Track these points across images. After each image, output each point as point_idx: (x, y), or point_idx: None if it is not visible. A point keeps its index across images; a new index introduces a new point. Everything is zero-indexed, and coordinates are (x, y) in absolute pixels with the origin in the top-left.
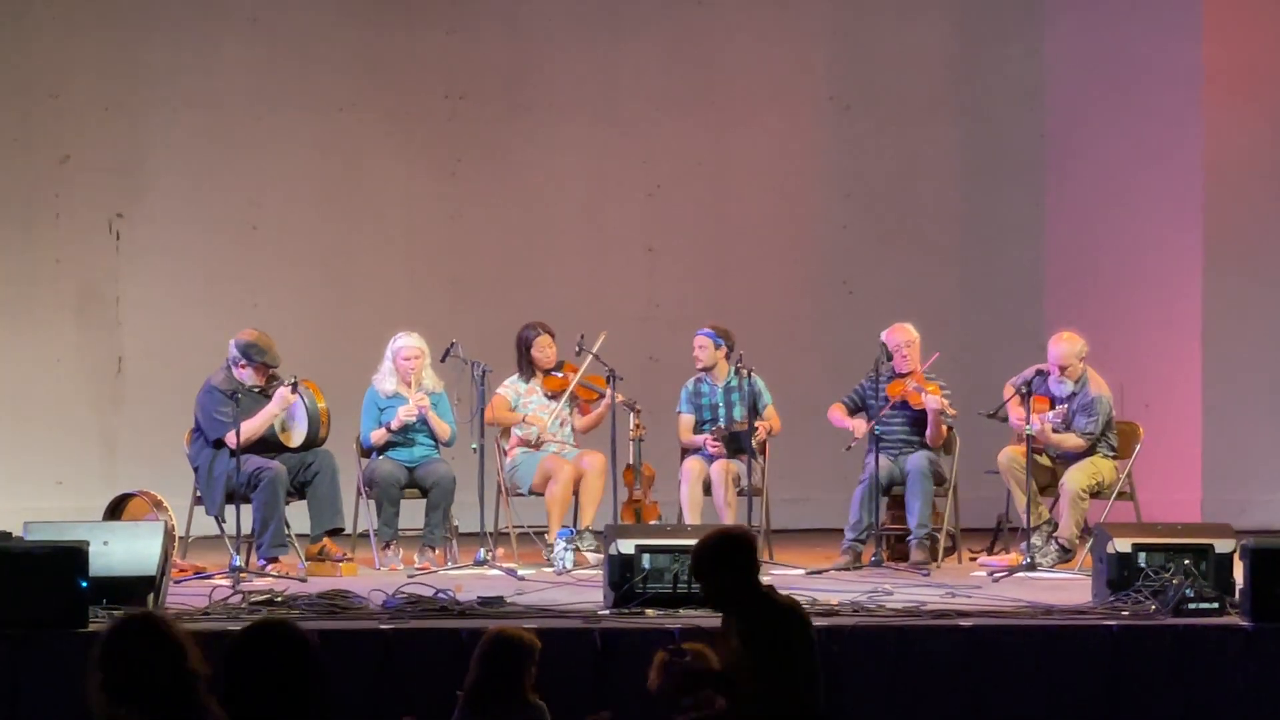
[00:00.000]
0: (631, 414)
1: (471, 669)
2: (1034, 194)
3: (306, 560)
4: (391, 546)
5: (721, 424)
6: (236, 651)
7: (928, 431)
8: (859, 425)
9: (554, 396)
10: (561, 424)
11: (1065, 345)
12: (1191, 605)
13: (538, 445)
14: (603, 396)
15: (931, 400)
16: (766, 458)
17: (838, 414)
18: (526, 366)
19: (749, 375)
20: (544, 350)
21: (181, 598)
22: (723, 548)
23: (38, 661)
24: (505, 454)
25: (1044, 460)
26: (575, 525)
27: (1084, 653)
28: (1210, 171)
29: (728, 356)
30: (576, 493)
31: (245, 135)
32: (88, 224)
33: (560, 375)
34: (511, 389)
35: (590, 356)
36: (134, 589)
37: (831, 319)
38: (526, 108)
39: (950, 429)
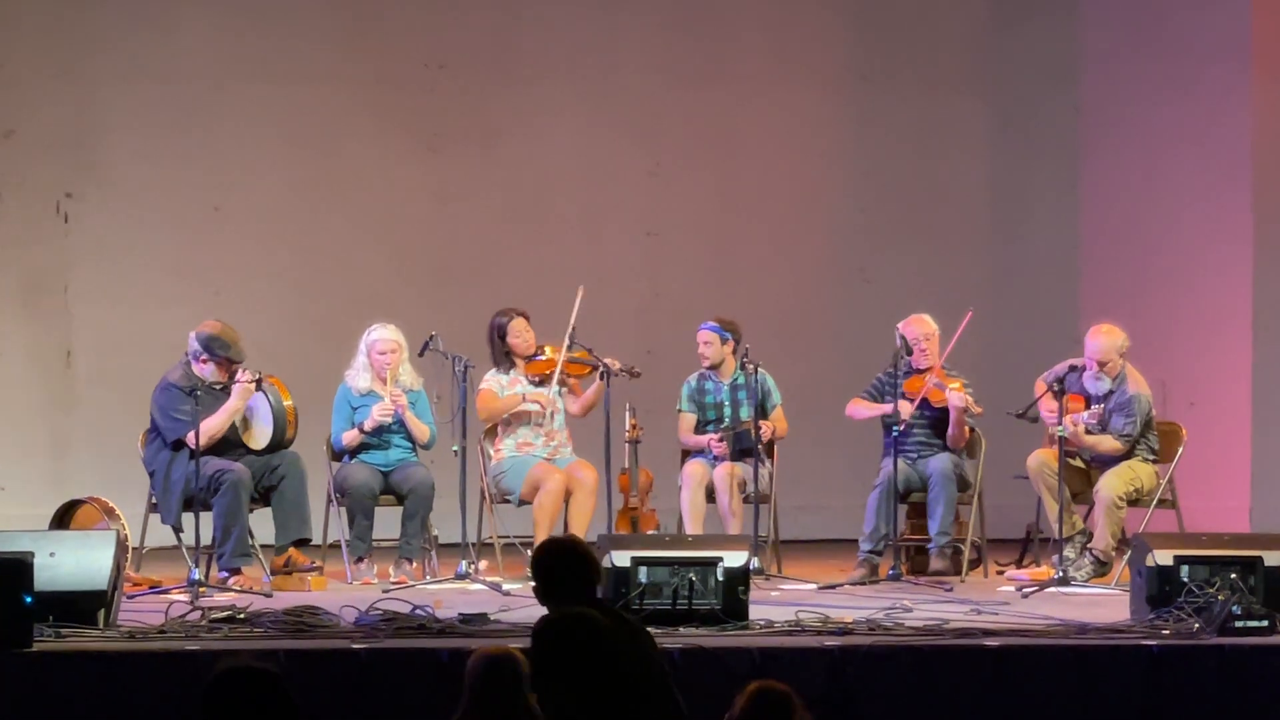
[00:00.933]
0: (628, 413)
1: (464, 700)
2: (1067, 175)
3: (272, 573)
4: (365, 559)
5: (728, 424)
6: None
7: (949, 432)
8: (905, 406)
9: (541, 382)
10: (552, 415)
11: (1104, 339)
12: (1239, 624)
13: (541, 425)
14: (595, 369)
15: (955, 397)
16: (775, 461)
17: (862, 406)
18: (504, 357)
19: (756, 371)
20: (521, 335)
21: (135, 614)
22: (549, 559)
23: None
24: (490, 458)
25: (1078, 464)
26: None
27: (1121, 675)
28: (1259, 150)
29: (734, 351)
30: (567, 502)
31: (207, 108)
32: (34, 205)
33: (543, 359)
34: (494, 382)
35: (578, 347)
36: (83, 604)
37: (847, 310)
38: (515, 78)
39: (974, 430)
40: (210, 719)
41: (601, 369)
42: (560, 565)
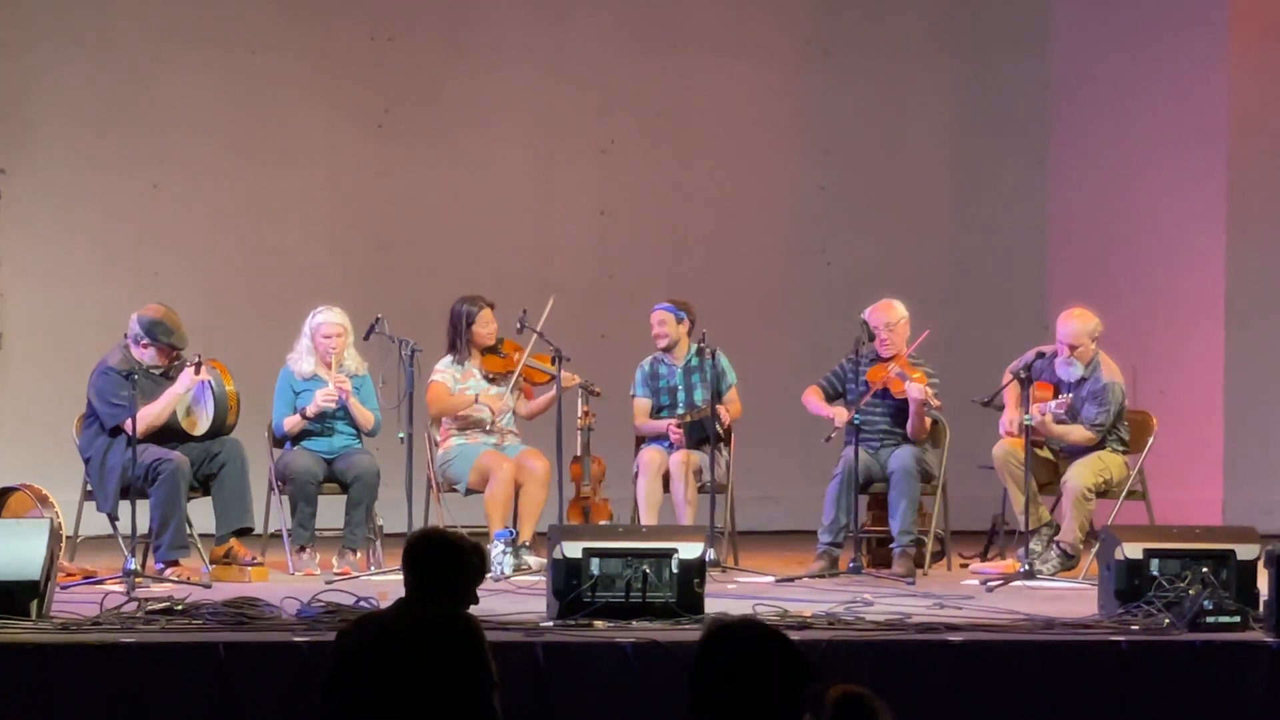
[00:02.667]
0: (580, 399)
1: None
2: (1035, 152)
3: (211, 564)
4: (307, 549)
5: (681, 409)
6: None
7: (909, 424)
8: (839, 413)
9: (495, 379)
10: (502, 413)
11: (1077, 323)
12: (1210, 619)
13: (490, 428)
14: (554, 379)
15: (914, 389)
16: (732, 450)
17: (814, 400)
18: (464, 345)
19: (712, 354)
20: (486, 325)
21: (69, 605)
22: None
23: None
24: (437, 445)
25: (1045, 454)
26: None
27: (1089, 672)
28: (1236, 127)
29: (689, 332)
30: (517, 492)
31: (145, 79)
32: None
33: (502, 355)
34: (448, 374)
35: (535, 336)
36: (15, 595)
37: (806, 293)
38: (464, 50)
39: (936, 422)
40: (711, 671)
41: (554, 355)
42: (429, 561)
